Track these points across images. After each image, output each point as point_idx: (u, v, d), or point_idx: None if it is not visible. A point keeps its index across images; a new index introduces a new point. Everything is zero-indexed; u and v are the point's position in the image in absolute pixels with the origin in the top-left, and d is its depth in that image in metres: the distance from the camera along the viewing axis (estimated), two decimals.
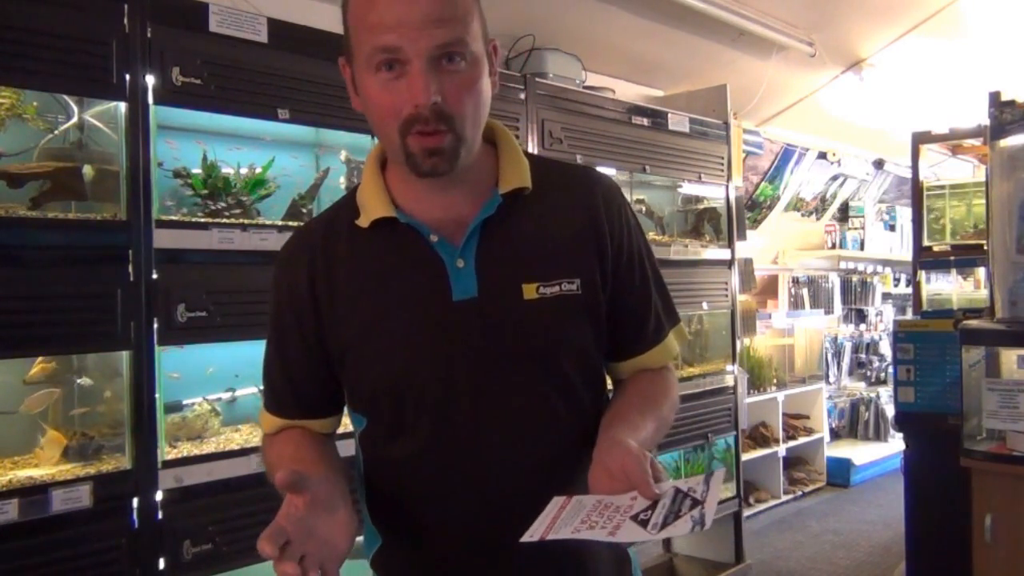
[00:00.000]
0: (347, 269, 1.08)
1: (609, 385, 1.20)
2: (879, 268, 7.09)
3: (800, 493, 5.48)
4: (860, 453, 5.97)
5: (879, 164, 6.70)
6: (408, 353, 1.05)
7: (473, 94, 1.00)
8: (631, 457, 0.93)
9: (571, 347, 1.08)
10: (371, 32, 0.96)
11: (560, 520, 0.89)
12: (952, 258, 3.79)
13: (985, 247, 3.11)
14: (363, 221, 1.08)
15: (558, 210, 1.11)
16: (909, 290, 5.12)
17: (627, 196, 1.27)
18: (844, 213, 6.88)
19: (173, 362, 2.06)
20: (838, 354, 6.39)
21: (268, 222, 2.22)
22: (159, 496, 1.92)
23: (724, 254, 3.74)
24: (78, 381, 2.00)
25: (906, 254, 5.09)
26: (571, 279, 1.07)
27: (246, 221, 2.15)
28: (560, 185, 1.13)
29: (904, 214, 6.87)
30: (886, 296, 7.27)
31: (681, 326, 1.24)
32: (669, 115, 3.48)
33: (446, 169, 1.00)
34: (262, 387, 1.20)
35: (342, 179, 2.50)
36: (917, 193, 3.84)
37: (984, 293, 3.64)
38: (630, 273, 1.15)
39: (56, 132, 1.98)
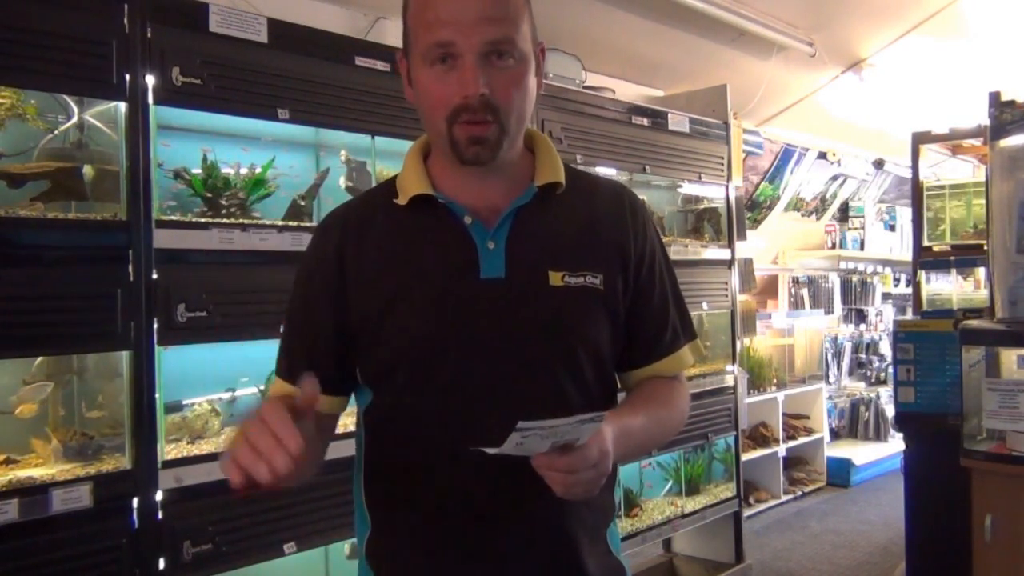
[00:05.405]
0: (379, 239, 1.12)
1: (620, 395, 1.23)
2: (879, 268, 7.10)
3: (800, 493, 5.48)
4: (860, 453, 5.97)
5: (879, 164, 6.70)
6: (431, 325, 1.08)
7: (520, 90, 1.06)
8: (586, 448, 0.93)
9: (588, 338, 1.11)
10: (428, 29, 1.03)
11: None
12: (952, 258, 3.78)
13: (985, 247, 3.11)
14: (401, 199, 1.13)
15: (588, 211, 1.16)
16: (909, 290, 5.11)
17: None
18: (844, 213, 6.88)
19: (175, 362, 2.06)
20: (838, 354, 6.39)
21: (268, 222, 2.22)
22: (159, 496, 1.92)
23: (724, 254, 3.73)
24: (101, 396, 1.99)
25: (906, 254, 5.09)
26: (595, 274, 1.12)
27: (246, 221, 2.15)
28: (591, 191, 1.20)
29: (904, 214, 6.88)
30: (886, 296, 7.27)
31: (698, 342, 1.28)
32: (669, 115, 3.47)
33: (488, 158, 1.05)
34: (275, 361, 1.18)
35: (342, 179, 2.50)
36: (917, 193, 3.84)
37: (984, 293, 3.64)
38: (650, 285, 1.19)
39: (56, 132, 1.98)
